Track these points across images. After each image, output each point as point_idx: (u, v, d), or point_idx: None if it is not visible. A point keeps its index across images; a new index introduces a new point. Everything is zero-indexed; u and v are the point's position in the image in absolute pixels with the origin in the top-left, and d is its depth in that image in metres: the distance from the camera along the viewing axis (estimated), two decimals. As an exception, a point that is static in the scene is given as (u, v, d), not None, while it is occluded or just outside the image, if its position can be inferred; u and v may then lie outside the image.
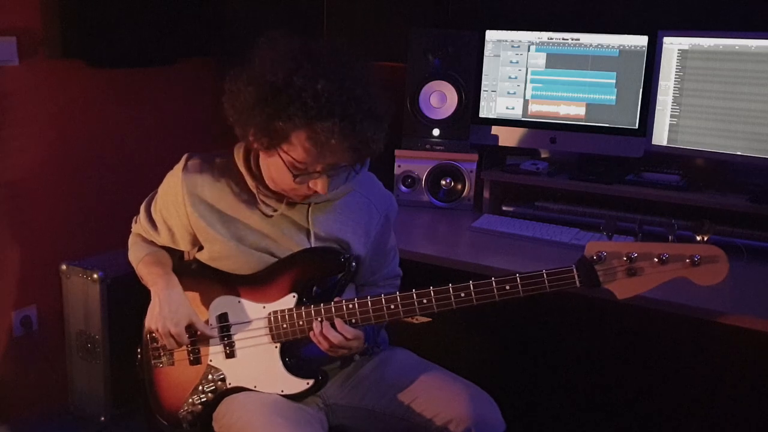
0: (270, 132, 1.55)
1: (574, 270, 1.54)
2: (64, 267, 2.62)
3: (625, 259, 1.52)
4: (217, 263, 1.76)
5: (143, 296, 1.83)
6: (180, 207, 1.74)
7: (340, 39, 1.63)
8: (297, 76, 1.51)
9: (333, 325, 1.65)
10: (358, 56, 1.61)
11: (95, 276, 2.54)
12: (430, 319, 2.54)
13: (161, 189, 1.80)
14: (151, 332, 1.78)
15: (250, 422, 1.62)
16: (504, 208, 2.58)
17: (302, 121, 1.51)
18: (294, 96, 1.50)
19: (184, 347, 1.74)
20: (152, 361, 1.81)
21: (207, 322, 1.75)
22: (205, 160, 1.75)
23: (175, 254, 1.87)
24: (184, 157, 1.77)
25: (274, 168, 1.63)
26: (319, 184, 1.60)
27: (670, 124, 2.40)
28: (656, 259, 1.50)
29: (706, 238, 1.55)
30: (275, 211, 1.71)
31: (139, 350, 1.86)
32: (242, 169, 1.71)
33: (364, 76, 1.57)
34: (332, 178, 1.63)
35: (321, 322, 1.65)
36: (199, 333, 1.71)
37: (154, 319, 1.69)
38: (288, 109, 1.51)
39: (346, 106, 1.51)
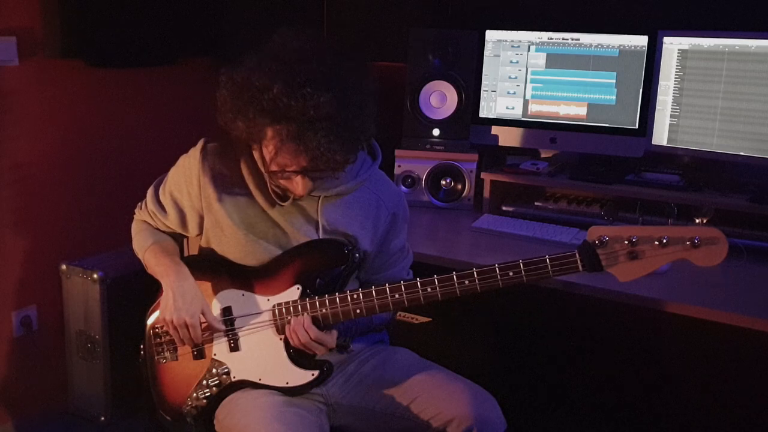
0: (241, 126, 1.57)
1: (577, 254, 1.55)
2: (64, 267, 2.62)
3: (626, 242, 1.52)
4: (224, 249, 1.76)
5: (143, 296, 1.84)
6: (194, 188, 1.75)
7: (340, 43, 1.63)
8: (257, 77, 1.52)
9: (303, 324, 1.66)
10: (349, 64, 1.59)
11: (95, 276, 2.54)
12: (430, 319, 2.54)
13: (174, 170, 1.81)
14: (155, 327, 1.79)
15: (249, 425, 1.62)
16: (504, 208, 2.59)
17: (265, 120, 1.54)
18: (255, 96, 1.52)
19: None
20: (155, 357, 1.80)
21: None
22: (223, 145, 1.76)
23: (180, 242, 1.87)
24: (202, 140, 1.78)
25: (261, 162, 1.65)
26: (299, 185, 1.62)
27: (670, 124, 2.40)
28: (657, 242, 1.51)
29: (705, 221, 1.56)
30: (286, 200, 1.72)
31: (141, 346, 1.85)
32: (256, 158, 1.71)
33: (345, 85, 1.54)
34: (316, 181, 1.64)
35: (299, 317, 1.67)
36: (205, 325, 1.71)
37: (168, 312, 1.69)
38: (249, 108, 1.54)
39: (303, 112, 1.50)
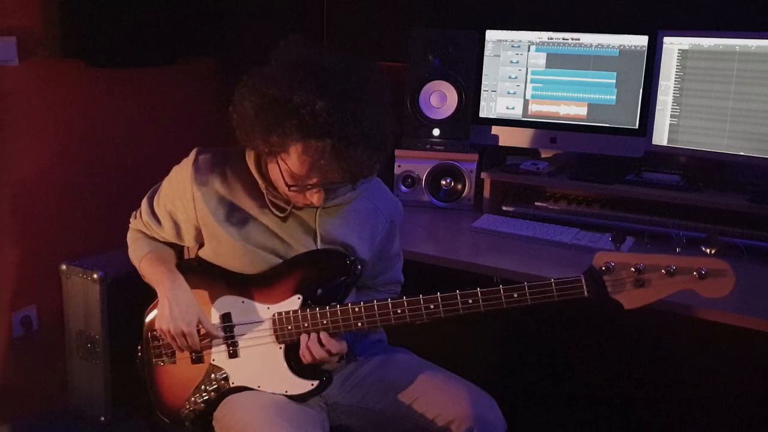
0: (268, 141, 1.56)
1: (583, 280, 1.55)
2: (64, 267, 2.62)
3: (633, 270, 1.52)
4: (222, 260, 1.75)
5: (143, 296, 1.83)
6: (188, 201, 1.73)
7: (355, 55, 1.61)
8: (298, 92, 1.50)
9: (320, 341, 1.65)
10: (371, 74, 1.59)
11: (95, 276, 2.54)
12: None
13: (167, 182, 1.79)
14: (152, 329, 1.78)
15: (250, 424, 1.61)
16: (504, 208, 2.58)
17: (298, 136, 1.52)
18: (292, 111, 1.50)
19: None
20: (153, 359, 1.80)
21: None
22: (216, 156, 1.75)
23: (177, 249, 1.86)
24: (194, 151, 1.76)
25: (274, 174, 1.64)
26: (315, 197, 1.61)
27: (670, 124, 2.40)
28: (664, 271, 1.51)
29: (713, 251, 1.55)
30: (283, 211, 1.71)
31: (139, 348, 1.85)
32: (252, 169, 1.71)
33: (373, 97, 1.55)
34: (330, 192, 1.63)
35: (309, 335, 1.66)
36: (203, 332, 1.70)
37: (164, 321, 1.67)
38: (285, 123, 1.51)
39: (343, 128, 1.50)
